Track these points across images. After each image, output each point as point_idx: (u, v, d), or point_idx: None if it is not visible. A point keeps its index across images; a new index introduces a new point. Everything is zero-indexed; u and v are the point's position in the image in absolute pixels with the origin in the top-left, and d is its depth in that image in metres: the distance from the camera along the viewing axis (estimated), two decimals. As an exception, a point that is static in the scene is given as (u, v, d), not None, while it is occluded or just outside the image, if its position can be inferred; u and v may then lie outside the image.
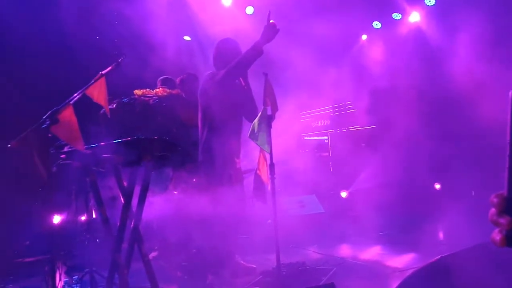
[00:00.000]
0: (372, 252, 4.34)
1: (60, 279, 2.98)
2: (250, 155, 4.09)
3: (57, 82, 4.50)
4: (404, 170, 6.54)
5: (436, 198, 6.52)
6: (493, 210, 0.63)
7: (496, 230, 0.62)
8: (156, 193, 4.14)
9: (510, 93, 0.60)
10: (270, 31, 3.07)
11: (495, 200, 0.62)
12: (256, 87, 3.46)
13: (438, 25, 6.66)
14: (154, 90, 4.29)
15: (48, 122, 2.36)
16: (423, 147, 6.42)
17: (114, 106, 3.82)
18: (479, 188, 6.21)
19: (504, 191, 0.61)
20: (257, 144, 2.97)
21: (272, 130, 3.02)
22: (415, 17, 6.88)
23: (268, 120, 2.97)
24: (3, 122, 4.34)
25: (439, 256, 2.14)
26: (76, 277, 3.48)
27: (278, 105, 3.11)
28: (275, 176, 2.95)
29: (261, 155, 3.02)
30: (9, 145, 2.34)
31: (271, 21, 3.07)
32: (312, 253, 4.38)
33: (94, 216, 4.17)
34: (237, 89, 3.49)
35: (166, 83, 4.41)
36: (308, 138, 7.92)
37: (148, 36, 5.47)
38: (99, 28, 5.60)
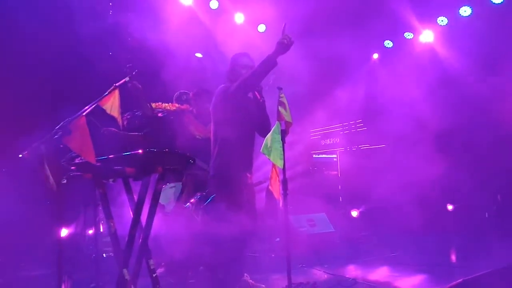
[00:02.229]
0: (383, 273, 4.23)
1: (65, 294, 2.92)
2: (262, 168, 4.05)
3: (71, 93, 4.54)
4: (416, 190, 6.43)
5: (448, 219, 6.39)
6: None
7: None
8: (165, 207, 4.10)
9: None
10: (285, 43, 3.05)
11: None
12: (271, 101, 3.43)
13: (451, 45, 6.64)
14: (164, 105, 4.31)
15: (60, 133, 2.35)
16: (435, 167, 6.32)
17: (128, 116, 3.83)
18: (492, 209, 6.09)
19: None
20: (269, 160, 2.92)
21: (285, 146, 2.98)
22: (427, 36, 6.86)
23: (281, 135, 2.93)
24: (18, 133, 4.35)
25: (461, 280, 2.05)
26: (82, 291, 3.43)
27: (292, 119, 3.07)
28: (287, 192, 2.89)
29: (274, 170, 2.97)
30: (20, 155, 2.33)
31: (286, 34, 3.07)
32: (323, 273, 4.27)
33: (101, 229, 4.14)
34: (250, 103, 3.47)
35: (181, 97, 4.46)
36: (317, 156, 7.86)
37: (161, 52, 5.53)
38: (113, 44, 5.68)
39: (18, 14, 4.98)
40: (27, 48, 4.93)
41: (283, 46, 3.05)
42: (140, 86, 3.82)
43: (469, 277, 2.24)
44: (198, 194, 3.95)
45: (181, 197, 4.05)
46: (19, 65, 5.07)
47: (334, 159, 7.65)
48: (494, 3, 5.99)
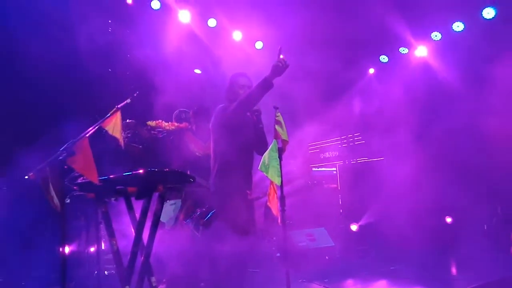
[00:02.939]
0: (383, 287, 4.26)
1: (68, 311, 2.96)
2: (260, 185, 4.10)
3: (70, 110, 4.61)
4: (415, 203, 6.47)
5: (447, 231, 6.42)
6: None
7: None
8: (165, 224, 4.15)
9: None
10: (280, 66, 3.16)
11: None
12: (267, 120, 3.52)
13: (445, 60, 6.76)
14: (164, 124, 4.39)
15: (64, 154, 2.43)
16: (433, 180, 6.37)
17: (129, 135, 3.90)
18: (490, 222, 6.13)
19: None
20: (267, 177, 2.99)
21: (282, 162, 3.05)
22: (421, 51, 6.99)
23: (278, 153, 3.00)
24: (18, 149, 4.40)
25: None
26: (84, 309, 3.46)
27: (288, 137, 3.15)
28: (285, 208, 2.96)
29: (272, 187, 3.04)
30: (26, 177, 2.40)
31: (281, 56, 3.16)
32: (322, 288, 4.30)
33: (103, 247, 4.18)
34: (248, 122, 3.55)
35: (180, 116, 4.53)
36: (317, 169, 7.90)
37: (160, 69, 5.63)
38: (112, 61, 5.76)
39: (18, 31, 5.06)
40: (26, 65, 5.00)
41: (278, 69, 3.16)
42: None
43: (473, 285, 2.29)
44: (198, 210, 4.01)
45: (181, 213, 4.10)
46: (18, 83, 5.13)
47: (334, 172, 7.69)
48: (485, 18, 6.12)
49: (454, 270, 5.11)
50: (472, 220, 6.17)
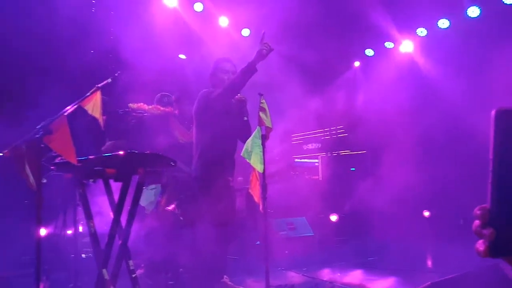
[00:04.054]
0: (361, 277, 4.32)
1: (42, 294, 2.90)
2: (243, 173, 4.09)
3: (51, 94, 4.49)
4: (393, 196, 6.56)
5: (424, 225, 6.53)
6: (477, 222, 0.66)
7: (480, 241, 0.65)
8: (145, 209, 4.10)
9: (492, 112, 0.65)
10: (264, 51, 3.15)
11: (478, 212, 0.66)
12: (252, 106, 3.49)
13: (430, 55, 6.83)
14: (148, 107, 4.31)
15: (41, 133, 2.35)
16: (412, 174, 6.46)
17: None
18: (467, 216, 6.26)
19: (487, 204, 0.65)
20: (250, 163, 2.97)
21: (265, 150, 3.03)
22: (407, 46, 7.04)
23: (261, 140, 2.99)
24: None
25: (429, 282, 2.14)
26: (60, 292, 3.40)
27: (272, 125, 3.13)
28: (267, 196, 2.95)
29: (254, 174, 3.02)
30: (1, 154, 2.32)
31: (265, 41, 3.16)
32: (301, 276, 4.33)
33: (80, 230, 4.11)
34: (232, 108, 3.52)
35: (162, 100, 4.43)
36: (299, 160, 7.93)
37: (143, 53, 5.52)
38: (95, 43, 5.63)
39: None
40: (6, 44, 4.85)
41: (262, 54, 3.16)
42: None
43: (437, 280, 2.34)
44: (180, 196, 3.97)
45: (162, 198, 4.05)
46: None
47: (316, 164, 7.73)
48: (470, 17, 6.20)
49: (429, 263, 5.21)
50: (449, 214, 6.30)
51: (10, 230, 4.01)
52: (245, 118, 3.51)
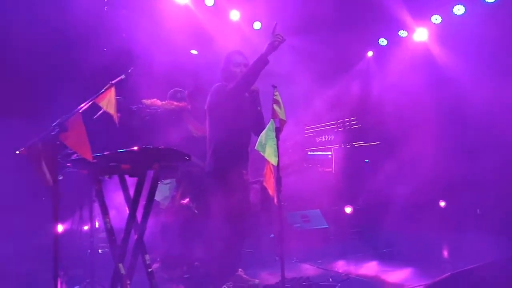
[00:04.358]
0: (376, 269, 4.29)
1: (61, 289, 2.95)
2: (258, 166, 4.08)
3: (65, 92, 4.54)
4: (409, 186, 6.49)
5: (441, 215, 6.46)
6: None
7: None
8: (160, 203, 4.13)
9: None
10: (276, 42, 3.12)
11: None
12: (265, 99, 3.48)
13: (445, 43, 6.69)
14: (162, 102, 4.33)
15: (57, 130, 2.38)
16: (428, 164, 6.38)
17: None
18: (484, 206, 6.17)
19: None
20: (264, 156, 2.96)
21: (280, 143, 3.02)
22: (421, 35, 6.91)
23: (275, 133, 2.97)
24: (9, 129, 4.34)
25: (449, 273, 2.10)
26: (77, 287, 3.45)
27: (286, 118, 3.11)
28: (281, 189, 2.94)
29: (268, 167, 3.01)
30: (17, 152, 2.35)
31: (277, 33, 3.13)
32: (316, 269, 4.33)
33: (97, 225, 4.16)
34: (245, 102, 3.51)
35: (175, 95, 4.46)
36: (312, 153, 7.90)
37: (155, 50, 5.54)
38: (107, 39, 5.67)
39: (7, 9, 4.95)
40: (19, 43, 4.90)
41: (273, 46, 3.15)
42: None
43: (457, 271, 2.30)
44: (194, 190, 3.99)
45: (177, 193, 4.08)
46: (11, 59, 5.04)
47: (329, 156, 7.70)
48: (487, 2, 6.04)
49: (445, 253, 5.15)
50: (465, 204, 6.21)
51: (28, 226, 4.08)
52: (258, 108, 3.50)
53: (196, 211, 3.91)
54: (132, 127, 3.96)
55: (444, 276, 2.06)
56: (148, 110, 4.12)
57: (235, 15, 6.59)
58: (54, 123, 2.40)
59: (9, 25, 4.80)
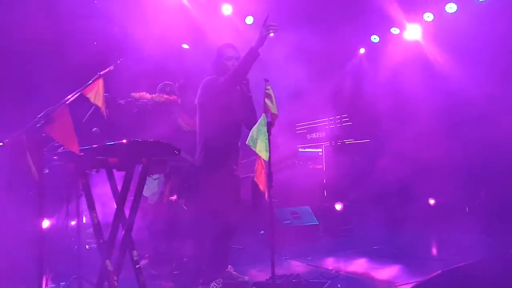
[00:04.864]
0: (366, 266, 4.29)
1: (46, 285, 2.88)
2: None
3: (53, 82, 4.46)
4: (399, 184, 6.52)
5: (430, 213, 6.49)
6: None
7: None
8: (148, 199, 4.08)
9: None
10: (263, 33, 3.06)
11: None
12: (257, 93, 3.43)
13: (437, 41, 6.71)
14: (151, 95, 4.26)
15: (42, 122, 2.31)
16: (417, 162, 6.40)
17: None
18: (473, 204, 6.22)
19: None
20: (255, 151, 2.92)
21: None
22: (413, 32, 6.91)
23: (267, 127, 2.93)
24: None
25: (440, 271, 2.09)
26: (64, 283, 3.38)
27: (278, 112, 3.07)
28: (272, 184, 2.90)
29: (259, 162, 2.97)
30: (1, 144, 2.27)
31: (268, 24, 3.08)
32: (306, 266, 4.31)
33: (84, 221, 4.09)
34: (237, 95, 3.46)
35: (164, 88, 4.39)
36: (303, 150, 7.88)
37: (146, 42, 5.46)
38: (97, 32, 5.58)
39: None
40: (8, 35, 4.80)
41: (262, 38, 3.08)
42: None
43: (448, 268, 2.30)
44: (183, 185, 3.94)
45: (166, 188, 4.02)
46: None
47: (320, 153, 7.69)
48: (479, 0, 6.06)
49: (435, 251, 5.17)
50: (454, 202, 6.25)
51: (13, 221, 3.99)
52: (250, 94, 3.44)
53: (184, 207, 3.86)
54: (120, 122, 3.89)
55: (435, 273, 2.05)
56: (137, 103, 4.05)
57: (227, 9, 6.52)
58: (40, 115, 2.33)
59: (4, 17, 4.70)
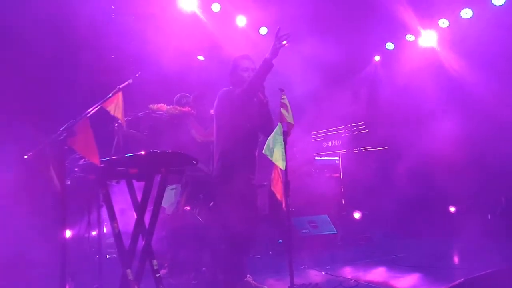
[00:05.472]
0: (386, 275, 4.23)
1: (68, 295, 2.94)
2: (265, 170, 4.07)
3: (74, 96, 4.58)
4: (418, 191, 6.43)
5: (451, 221, 6.38)
6: None
7: None
8: (166, 210, 4.12)
9: None
10: (277, 45, 3.10)
11: None
12: (273, 103, 3.46)
13: (453, 47, 6.65)
14: (167, 107, 4.34)
15: (65, 134, 2.38)
16: (437, 169, 6.32)
17: (130, 118, 3.87)
18: (495, 211, 6.09)
19: None
20: (271, 160, 2.94)
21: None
22: (428, 39, 6.87)
23: (283, 137, 2.95)
24: (18, 135, 4.36)
25: (463, 279, 2.06)
26: (85, 293, 3.43)
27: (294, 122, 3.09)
28: (289, 193, 2.91)
29: (276, 171, 2.99)
30: (25, 156, 2.35)
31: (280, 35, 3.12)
32: (324, 275, 4.28)
33: (105, 231, 4.15)
34: (254, 105, 3.50)
35: (181, 100, 4.48)
36: (319, 158, 7.86)
37: (163, 55, 5.57)
38: (115, 46, 5.71)
39: (19, 16, 4.99)
40: (27, 50, 4.95)
41: (276, 49, 3.13)
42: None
43: (470, 276, 2.26)
44: (200, 195, 3.97)
45: (182, 198, 4.07)
46: (19, 66, 5.08)
47: (336, 161, 7.65)
48: (495, 5, 6.00)
49: (456, 260, 5.07)
50: (476, 210, 6.13)
51: (36, 231, 4.08)
52: (267, 99, 3.47)
53: (199, 218, 3.89)
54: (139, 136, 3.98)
55: (457, 282, 2.02)
56: (153, 115, 4.14)
57: (241, 20, 6.60)
58: (62, 128, 2.41)
59: (18, 30, 4.84)
